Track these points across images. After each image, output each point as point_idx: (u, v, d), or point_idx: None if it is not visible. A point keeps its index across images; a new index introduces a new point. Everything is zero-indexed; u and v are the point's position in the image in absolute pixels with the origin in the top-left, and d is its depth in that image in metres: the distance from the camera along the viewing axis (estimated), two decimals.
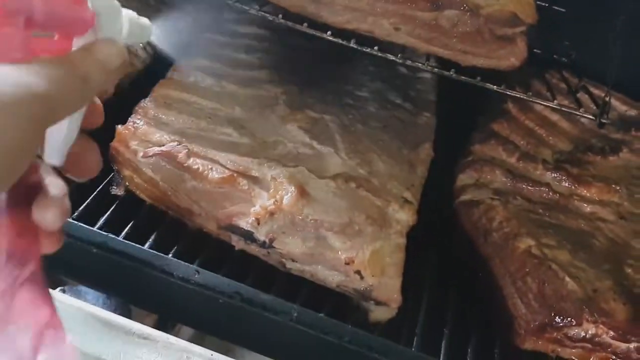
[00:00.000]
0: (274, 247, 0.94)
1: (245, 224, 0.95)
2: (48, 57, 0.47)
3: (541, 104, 1.03)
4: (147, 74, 1.24)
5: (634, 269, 1.00)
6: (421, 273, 1.07)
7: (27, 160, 0.44)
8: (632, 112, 1.36)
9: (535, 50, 1.23)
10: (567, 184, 1.13)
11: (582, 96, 1.15)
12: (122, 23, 0.54)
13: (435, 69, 1.05)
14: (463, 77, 1.00)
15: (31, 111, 0.42)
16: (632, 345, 0.91)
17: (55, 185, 0.51)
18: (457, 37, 0.94)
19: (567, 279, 0.92)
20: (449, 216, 1.12)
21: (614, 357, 0.92)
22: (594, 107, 1.05)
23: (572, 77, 1.28)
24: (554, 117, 1.26)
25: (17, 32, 0.44)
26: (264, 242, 0.94)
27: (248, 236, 0.95)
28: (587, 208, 1.10)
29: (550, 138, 1.23)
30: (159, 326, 1.08)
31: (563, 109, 1.00)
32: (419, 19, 0.94)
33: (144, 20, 0.58)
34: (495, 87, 0.97)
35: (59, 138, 0.51)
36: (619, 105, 1.36)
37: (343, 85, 1.26)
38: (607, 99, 1.04)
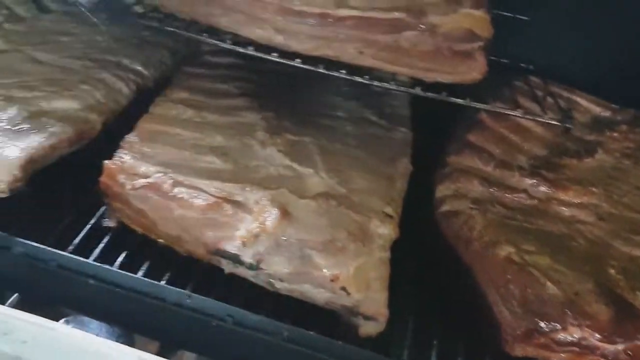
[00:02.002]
0: (261, 269, 0.97)
1: (232, 247, 0.98)
2: None
3: (507, 113, 1.07)
4: (132, 109, 1.28)
5: (615, 269, 1.02)
6: (406, 285, 1.10)
7: None
8: (606, 113, 1.41)
9: (502, 60, 1.28)
10: (544, 189, 1.16)
11: (549, 101, 1.18)
12: None
13: (402, 87, 1.09)
14: (429, 94, 1.04)
15: None
16: (619, 347, 0.92)
17: None
18: (418, 56, 0.98)
19: (548, 283, 0.95)
20: (430, 227, 1.15)
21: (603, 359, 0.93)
22: (560, 113, 1.09)
23: (539, 82, 1.32)
24: (527, 123, 1.29)
25: None
26: (251, 264, 0.97)
27: (235, 259, 0.98)
28: (566, 211, 1.13)
29: (525, 144, 1.27)
30: (162, 353, 1.10)
31: (527, 117, 1.04)
32: (381, 42, 0.98)
33: None
34: (461, 100, 1.01)
35: None
36: (592, 107, 1.41)
37: (319, 107, 1.31)
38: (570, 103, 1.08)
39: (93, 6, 1.21)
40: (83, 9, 1.27)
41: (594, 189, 1.16)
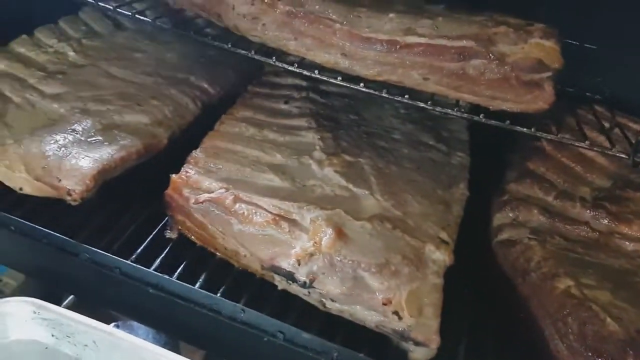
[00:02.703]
0: (314, 287, 0.99)
1: (286, 264, 1.00)
2: None
3: (573, 145, 1.05)
4: (196, 125, 1.33)
5: None
6: (460, 313, 1.08)
7: None
8: None
9: (567, 88, 1.25)
10: (606, 222, 1.13)
11: (616, 133, 1.15)
12: None
13: (465, 114, 1.09)
14: (493, 121, 1.04)
15: None
16: None
17: None
18: (485, 84, 0.98)
19: (609, 319, 0.92)
20: (487, 256, 1.13)
21: None
22: (628, 145, 1.06)
23: (606, 112, 1.28)
24: (590, 153, 1.26)
25: None
26: (305, 282, 0.99)
27: (289, 276, 1.00)
28: (629, 246, 1.10)
29: (588, 175, 1.24)
30: None
31: (595, 149, 1.02)
32: (447, 69, 0.99)
33: None
34: (525, 129, 1.00)
35: None
36: None
37: (377, 129, 1.32)
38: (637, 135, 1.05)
39: (166, 25, 1.27)
40: (156, 28, 1.33)
41: None
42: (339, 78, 1.08)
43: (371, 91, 1.06)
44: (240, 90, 1.44)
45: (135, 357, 0.98)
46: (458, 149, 1.31)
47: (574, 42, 1.27)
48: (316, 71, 1.09)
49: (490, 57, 0.96)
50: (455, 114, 1.09)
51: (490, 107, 1.01)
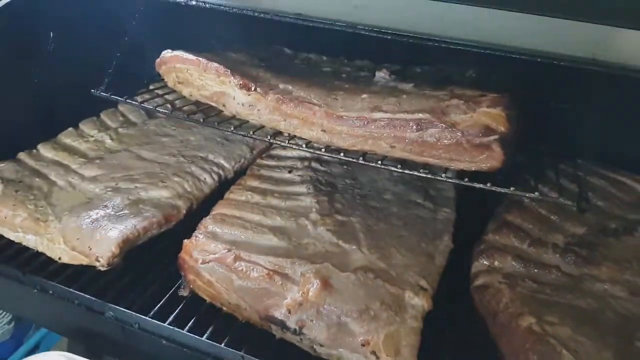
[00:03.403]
0: (304, 333, 1.12)
1: (279, 314, 1.14)
2: None
3: (524, 196, 1.16)
4: (215, 195, 1.52)
5: None
6: (444, 354, 1.18)
7: None
8: None
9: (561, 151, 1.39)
10: (576, 266, 1.21)
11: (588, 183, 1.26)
12: None
13: (450, 179, 1.22)
14: (475, 184, 1.16)
15: None
16: None
17: None
18: (443, 149, 1.13)
19: (564, 352, 1.00)
20: (468, 301, 1.24)
21: None
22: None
23: (581, 166, 1.40)
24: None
25: None
26: (295, 329, 1.13)
27: (282, 325, 1.14)
28: (598, 287, 1.18)
29: (564, 224, 1.33)
30: None
31: (542, 198, 1.13)
32: (408, 138, 1.15)
33: None
34: (481, 185, 1.13)
35: None
36: (636, 186, 1.45)
37: (369, 191, 1.47)
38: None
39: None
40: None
41: (627, 265, 1.19)
42: (322, 150, 1.25)
43: (349, 158, 1.23)
44: (252, 163, 1.64)
45: None
46: (444, 205, 1.44)
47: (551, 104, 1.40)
48: (304, 145, 1.27)
49: (442, 126, 1.11)
50: (443, 179, 1.21)
51: (452, 167, 1.15)
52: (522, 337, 1.06)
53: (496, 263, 1.24)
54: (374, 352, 1.06)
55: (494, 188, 1.12)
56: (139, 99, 1.53)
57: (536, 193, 1.12)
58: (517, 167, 1.24)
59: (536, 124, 1.34)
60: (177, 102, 1.60)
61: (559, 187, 1.25)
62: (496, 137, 1.09)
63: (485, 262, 1.24)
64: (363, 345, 1.07)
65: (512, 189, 1.14)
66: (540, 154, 1.44)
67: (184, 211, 1.44)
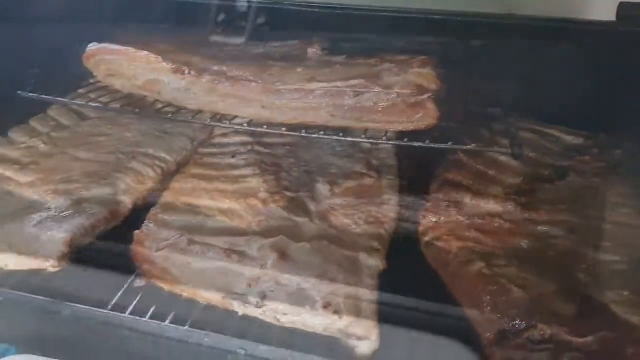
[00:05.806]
0: (266, 305, 1.14)
1: (240, 289, 1.15)
2: None
3: (461, 149, 1.23)
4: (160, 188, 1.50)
5: (584, 273, 1.13)
6: (402, 308, 1.22)
7: None
8: (578, 141, 1.55)
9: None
10: (516, 212, 1.29)
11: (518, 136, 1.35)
12: None
13: (390, 142, 1.27)
14: (415, 143, 1.21)
15: None
16: (589, 339, 1.02)
17: None
18: (381, 112, 1.17)
19: (515, 288, 1.07)
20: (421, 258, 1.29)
21: (581, 354, 1.02)
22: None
23: (513, 122, 1.48)
24: (502, 158, 1.45)
25: None
26: (257, 301, 1.14)
27: (243, 299, 1.15)
28: (538, 229, 1.26)
29: (501, 176, 1.41)
30: None
31: (479, 148, 1.20)
32: (347, 105, 1.19)
33: None
34: (420, 143, 1.19)
35: None
36: (564, 136, 1.56)
37: (315, 168, 1.50)
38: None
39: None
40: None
41: (563, 207, 1.28)
42: (265, 126, 1.27)
43: (291, 132, 1.25)
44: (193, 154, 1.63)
45: None
46: (387, 172, 1.49)
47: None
48: (245, 125, 1.28)
49: (378, 89, 1.16)
50: (383, 142, 1.26)
51: (392, 130, 1.20)
52: (474, 281, 1.11)
53: (442, 219, 1.30)
54: (336, 312, 1.09)
55: (432, 145, 1.18)
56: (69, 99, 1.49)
57: (473, 145, 1.18)
58: (452, 129, 1.31)
59: (468, 86, 1.41)
60: (110, 102, 1.57)
61: (493, 141, 1.32)
62: (429, 94, 1.14)
63: (432, 220, 1.30)
64: (324, 307, 1.10)
65: (450, 143, 1.20)
66: (474, 115, 1.51)
67: (130, 206, 1.42)
